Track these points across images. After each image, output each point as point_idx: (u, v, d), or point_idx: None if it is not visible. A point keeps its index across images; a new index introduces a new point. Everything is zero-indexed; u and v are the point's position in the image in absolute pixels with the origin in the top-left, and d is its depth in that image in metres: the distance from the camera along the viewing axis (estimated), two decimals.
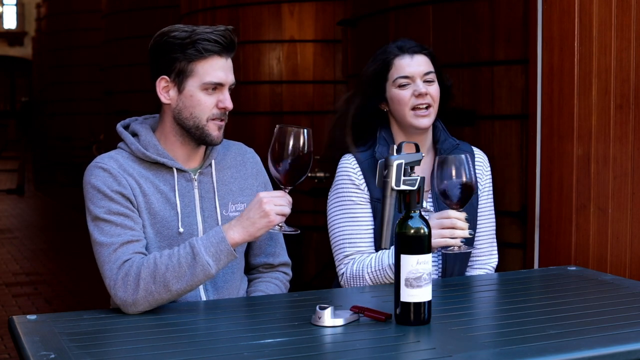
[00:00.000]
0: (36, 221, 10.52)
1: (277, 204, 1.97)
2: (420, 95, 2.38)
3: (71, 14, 12.55)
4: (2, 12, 30.96)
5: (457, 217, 2.18)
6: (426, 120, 2.40)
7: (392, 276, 2.28)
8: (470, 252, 2.50)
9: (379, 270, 2.30)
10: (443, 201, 2.17)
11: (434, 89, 2.41)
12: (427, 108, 2.39)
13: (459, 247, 2.20)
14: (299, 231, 2.01)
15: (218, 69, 2.12)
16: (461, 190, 2.11)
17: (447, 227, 2.17)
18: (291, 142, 1.97)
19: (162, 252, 2.01)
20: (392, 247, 2.25)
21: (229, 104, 2.14)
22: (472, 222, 2.48)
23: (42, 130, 14.67)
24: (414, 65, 2.40)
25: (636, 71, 2.53)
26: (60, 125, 12.91)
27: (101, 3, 9.78)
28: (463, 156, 2.12)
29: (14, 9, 31.34)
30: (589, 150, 2.65)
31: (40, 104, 15.20)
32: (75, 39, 12.38)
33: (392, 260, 2.27)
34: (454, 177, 2.11)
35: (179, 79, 2.12)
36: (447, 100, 2.49)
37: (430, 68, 2.41)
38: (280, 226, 2.00)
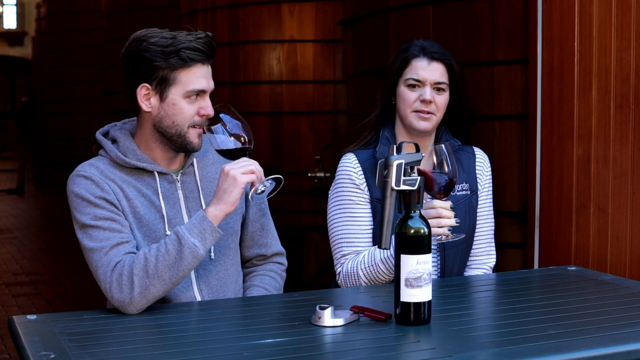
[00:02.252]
0: (36, 221, 10.52)
1: (238, 165, 2.01)
2: (424, 101, 2.38)
3: (71, 14, 12.56)
4: (2, 12, 30.96)
5: (442, 206, 2.19)
6: (426, 123, 2.40)
7: (385, 271, 2.29)
8: (469, 251, 2.50)
9: (372, 265, 2.30)
10: (427, 191, 2.17)
11: (441, 99, 2.41)
12: (428, 113, 2.40)
13: (447, 235, 2.21)
14: (282, 178, 2.04)
15: (201, 76, 2.11)
16: (444, 179, 2.13)
17: (433, 216, 2.18)
18: (219, 130, 2.06)
19: (150, 247, 2.03)
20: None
21: (210, 111, 2.13)
22: (472, 221, 2.48)
23: (42, 130, 14.68)
24: (428, 71, 2.40)
25: (636, 71, 2.53)
26: (60, 125, 12.92)
27: (101, 3, 9.79)
28: (443, 146, 2.14)
29: (14, 9, 31.34)
30: (589, 150, 2.65)
31: (40, 104, 15.21)
32: (75, 39, 12.38)
33: (384, 255, 2.27)
34: (436, 167, 2.13)
35: (161, 87, 2.10)
36: (458, 109, 2.48)
37: (444, 78, 2.41)
38: (264, 186, 2.02)
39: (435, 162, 2.14)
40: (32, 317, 1.91)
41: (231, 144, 2.05)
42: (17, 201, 12.34)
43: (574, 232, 2.71)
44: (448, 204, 2.20)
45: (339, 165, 2.46)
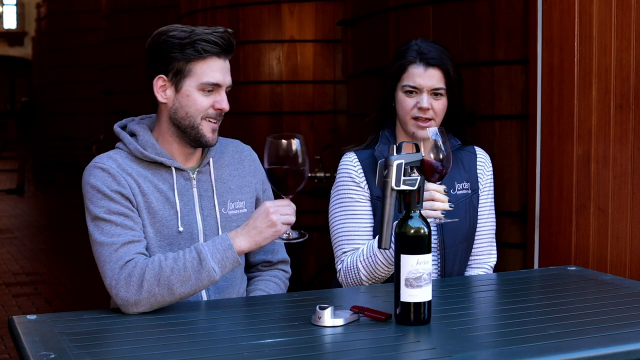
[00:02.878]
0: (36, 221, 10.52)
1: (283, 213, 1.99)
2: (422, 109, 2.39)
3: (71, 14, 12.56)
4: (2, 12, 30.96)
5: (435, 189, 2.18)
6: (424, 131, 2.41)
7: (383, 261, 2.29)
8: (470, 251, 2.50)
9: (370, 256, 2.31)
10: (422, 175, 2.17)
11: (439, 104, 2.42)
12: (427, 120, 2.40)
13: (440, 218, 2.20)
14: (307, 236, 2.02)
15: (216, 70, 2.12)
16: (437, 163, 2.13)
17: (427, 199, 2.18)
18: (285, 153, 1.97)
19: (166, 255, 2.02)
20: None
21: (225, 106, 2.14)
22: (472, 221, 2.48)
23: (42, 130, 14.69)
24: (425, 78, 2.40)
25: (636, 71, 2.53)
26: (60, 125, 12.92)
27: (101, 3, 9.79)
28: (436, 129, 2.13)
29: (14, 9, 31.35)
30: (589, 150, 2.65)
31: (40, 104, 15.21)
32: (75, 39, 12.39)
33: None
34: (430, 152, 2.13)
35: (177, 78, 2.12)
36: (454, 110, 2.48)
37: (441, 84, 2.41)
38: (288, 234, 2.01)
39: (430, 146, 2.14)
40: (32, 317, 1.91)
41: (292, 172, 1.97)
42: (17, 201, 12.34)
43: (574, 232, 2.71)
44: (442, 187, 2.19)
45: (340, 164, 2.47)
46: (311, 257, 5.85)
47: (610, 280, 2.31)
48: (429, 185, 2.18)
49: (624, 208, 2.58)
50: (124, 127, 2.25)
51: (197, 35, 2.10)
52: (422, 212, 2.11)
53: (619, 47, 2.57)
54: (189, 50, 2.09)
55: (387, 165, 1.87)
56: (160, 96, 2.15)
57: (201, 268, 1.98)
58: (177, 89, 2.13)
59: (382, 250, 2.28)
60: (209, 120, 2.14)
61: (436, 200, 2.18)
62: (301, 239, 2.02)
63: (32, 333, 1.79)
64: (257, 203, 2.29)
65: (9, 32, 31.02)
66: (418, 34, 3.56)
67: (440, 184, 2.19)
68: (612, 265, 2.61)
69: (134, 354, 1.67)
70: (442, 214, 2.20)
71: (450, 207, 2.20)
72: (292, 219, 2.00)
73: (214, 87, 2.12)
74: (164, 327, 1.90)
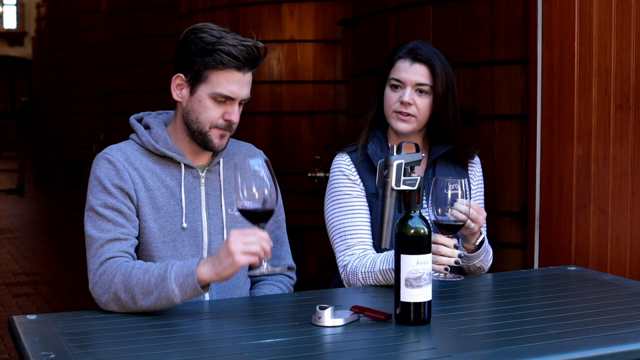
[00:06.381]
0: (36, 221, 10.51)
1: (244, 241, 1.84)
2: (403, 103, 2.38)
3: (71, 14, 12.56)
4: (2, 12, 30.96)
5: (444, 242, 2.13)
6: (405, 125, 2.40)
7: (383, 280, 2.28)
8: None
9: (370, 272, 2.30)
10: (434, 224, 2.14)
11: (423, 102, 2.39)
12: (408, 115, 2.39)
13: (444, 274, 2.15)
14: (285, 266, 1.96)
15: (233, 82, 2.11)
16: (454, 222, 2.10)
17: (432, 251, 2.12)
18: (252, 187, 1.88)
19: (142, 263, 1.99)
20: (389, 252, 2.25)
21: (235, 118, 2.14)
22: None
23: (42, 130, 14.68)
24: (409, 72, 2.39)
25: (636, 71, 2.53)
26: (60, 125, 12.92)
27: (101, 3, 9.78)
28: (465, 182, 2.08)
29: (14, 9, 31.34)
30: (589, 150, 2.65)
31: (40, 104, 15.21)
32: (75, 39, 12.38)
33: (383, 266, 2.26)
34: (448, 210, 2.09)
35: (194, 81, 2.13)
36: (438, 113, 2.42)
37: (426, 80, 2.38)
38: (266, 268, 1.89)
39: (449, 202, 2.08)
40: (32, 317, 1.91)
41: (251, 204, 1.87)
42: (17, 201, 12.34)
43: (574, 232, 2.71)
44: (452, 241, 2.14)
45: (333, 165, 2.47)
46: (311, 257, 5.85)
47: (610, 280, 2.31)
48: (439, 238, 2.13)
49: (624, 208, 2.58)
50: (140, 120, 2.26)
51: (222, 45, 2.08)
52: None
53: (619, 47, 2.57)
54: (209, 58, 2.09)
55: (387, 165, 1.87)
56: (176, 94, 2.17)
57: (162, 287, 1.91)
58: (192, 91, 2.14)
59: (382, 271, 2.27)
60: (218, 129, 2.15)
61: (440, 255, 2.12)
62: (284, 268, 2.03)
63: (32, 333, 1.79)
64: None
65: (9, 32, 31.00)
66: (418, 34, 3.56)
67: (451, 237, 2.13)
68: (612, 265, 2.61)
69: (134, 354, 1.67)
70: (446, 269, 2.14)
71: (456, 263, 2.14)
72: (255, 247, 1.84)
73: (226, 98, 2.13)
74: (164, 327, 1.90)
